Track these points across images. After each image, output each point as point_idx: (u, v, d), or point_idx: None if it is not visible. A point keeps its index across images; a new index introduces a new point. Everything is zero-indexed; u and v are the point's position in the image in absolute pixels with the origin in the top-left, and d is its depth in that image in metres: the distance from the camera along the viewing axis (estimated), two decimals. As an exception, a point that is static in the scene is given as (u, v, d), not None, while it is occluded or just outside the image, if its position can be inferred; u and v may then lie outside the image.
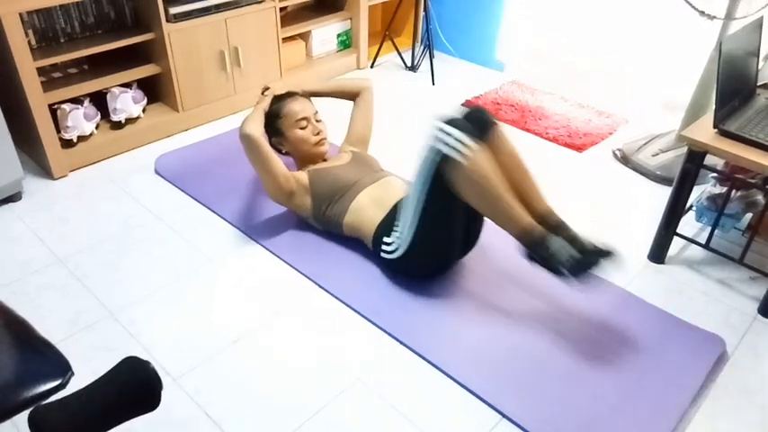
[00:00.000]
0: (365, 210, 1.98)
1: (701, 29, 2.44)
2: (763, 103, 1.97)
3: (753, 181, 1.89)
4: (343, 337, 1.75)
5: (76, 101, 2.47)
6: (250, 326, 1.78)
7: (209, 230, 2.16)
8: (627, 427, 1.49)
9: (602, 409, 1.54)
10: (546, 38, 3.31)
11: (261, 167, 1.99)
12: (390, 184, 2.04)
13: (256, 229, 2.15)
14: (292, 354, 1.69)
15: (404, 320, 1.79)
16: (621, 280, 1.98)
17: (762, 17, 2.00)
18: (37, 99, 2.26)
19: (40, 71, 2.31)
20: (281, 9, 3.04)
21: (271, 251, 2.05)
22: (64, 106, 2.41)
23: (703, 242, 2.02)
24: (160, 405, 1.04)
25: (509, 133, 1.82)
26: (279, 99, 2.17)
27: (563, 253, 1.60)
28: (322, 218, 2.06)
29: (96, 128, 2.56)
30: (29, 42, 2.35)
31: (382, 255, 1.92)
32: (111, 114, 2.57)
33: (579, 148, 2.75)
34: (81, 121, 2.45)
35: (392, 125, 2.89)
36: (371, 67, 3.56)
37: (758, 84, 2.05)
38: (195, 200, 2.31)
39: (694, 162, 1.87)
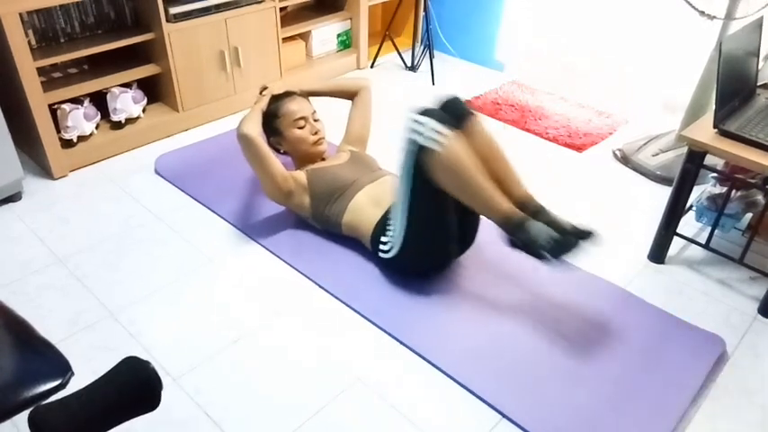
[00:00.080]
0: (363, 209, 1.98)
1: (701, 29, 2.44)
2: (763, 103, 1.97)
3: (753, 181, 1.89)
4: (343, 337, 1.75)
5: (76, 101, 2.47)
6: (250, 326, 1.78)
7: (209, 230, 2.16)
8: (627, 427, 1.49)
9: (603, 409, 1.54)
10: (546, 38, 3.31)
11: (258, 167, 1.99)
12: (389, 184, 2.04)
13: (256, 229, 2.15)
14: (292, 354, 1.69)
15: (404, 320, 1.79)
16: (621, 280, 1.98)
17: (762, 17, 2.00)
18: (37, 99, 2.26)
19: (40, 71, 2.31)
20: (281, 9, 3.04)
21: (271, 251, 2.06)
22: (64, 106, 2.41)
23: (703, 242, 2.02)
24: (160, 405, 1.04)
25: (486, 122, 1.85)
26: (277, 99, 2.17)
27: (543, 236, 1.62)
28: (321, 217, 2.07)
29: (96, 128, 2.56)
30: (29, 42, 2.35)
31: (380, 254, 1.92)
32: (111, 114, 2.57)
33: (579, 148, 2.75)
34: (81, 121, 2.45)
35: (392, 125, 2.89)
36: (371, 67, 3.56)
37: (758, 84, 2.05)
38: (195, 200, 2.31)
39: (694, 162, 1.87)
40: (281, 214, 2.23)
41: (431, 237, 1.83)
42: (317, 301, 1.87)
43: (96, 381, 1.02)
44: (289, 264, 2.00)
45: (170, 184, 2.41)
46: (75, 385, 1.04)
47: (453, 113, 1.75)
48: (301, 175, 2.08)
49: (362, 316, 1.81)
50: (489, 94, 3.22)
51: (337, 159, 2.18)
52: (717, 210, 1.99)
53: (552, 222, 1.68)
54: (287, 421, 1.51)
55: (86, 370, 1.39)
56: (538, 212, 1.73)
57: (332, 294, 1.89)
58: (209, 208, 2.27)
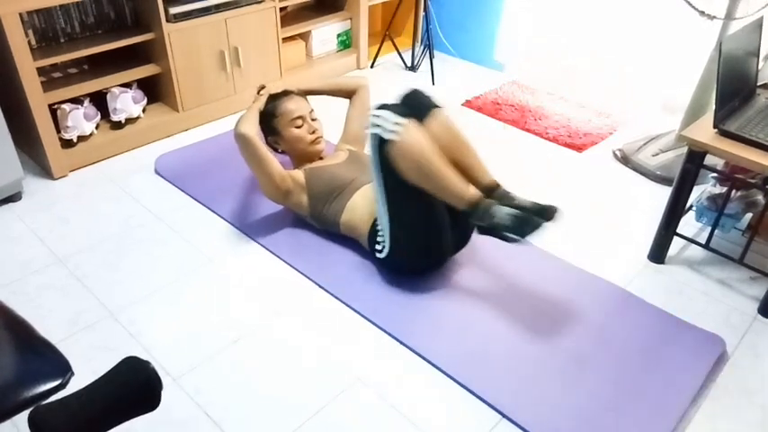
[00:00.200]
0: (361, 209, 1.98)
1: (701, 29, 2.44)
2: (763, 103, 1.97)
3: (753, 181, 1.89)
4: (342, 337, 1.75)
5: (76, 101, 2.47)
6: (250, 326, 1.78)
7: (209, 230, 2.16)
8: (627, 427, 1.49)
9: (603, 409, 1.54)
10: (546, 38, 3.31)
11: (256, 167, 1.99)
12: None
13: (256, 229, 2.15)
14: (292, 354, 1.69)
15: (404, 320, 1.79)
16: (621, 280, 1.98)
17: (762, 17, 2.00)
18: (37, 99, 2.26)
19: (40, 71, 2.31)
20: (281, 9, 3.04)
21: (271, 251, 2.05)
22: (64, 106, 2.41)
23: (703, 242, 2.02)
24: (160, 405, 1.04)
25: (451, 113, 1.87)
26: (274, 98, 2.17)
27: (507, 218, 1.66)
28: (319, 216, 2.07)
29: (96, 128, 2.56)
30: (29, 42, 2.35)
31: (376, 255, 1.92)
32: (111, 114, 2.57)
33: (579, 148, 2.75)
34: (81, 121, 2.45)
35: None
36: (371, 67, 3.56)
37: (758, 84, 2.05)
38: (195, 200, 2.31)
39: (694, 162, 1.87)
40: (281, 214, 2.23)
41: (417, 233, 1.84)
42: (316, 301, 1.87)
43: (96, 381, 1.02)
44: (289, 264, 2.00)
45: (170, 184, 2.41)
46: (75, 385, 1.04)
47: (415, 106, 1.81)
48: (299, 175, 2.08)
49: (362, 316, 1.81)
50: (489, 94, 3.22)
51: (335, 158, 2.18)
52: (717, 210, 1.99)
53: (517, 205, 1.72)
54: (287, 421, 1.51)
55: (86, 370, 1.39)
56: (504, 197, 1.76)
57: (332, 294, 1.89)
58: (208, 208, 2.27)
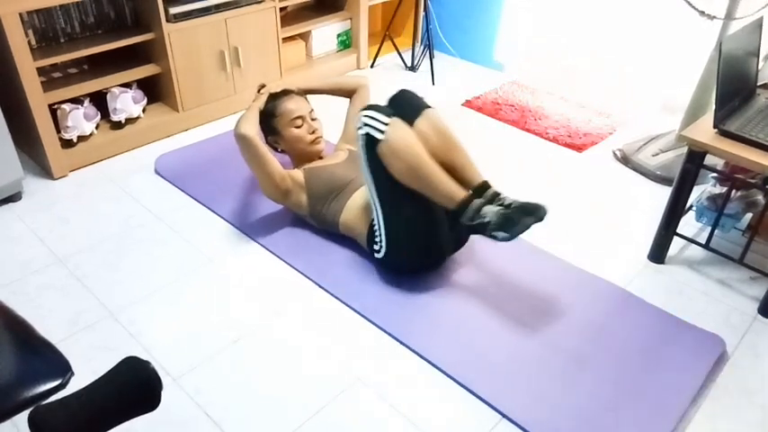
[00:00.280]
0: (360, 209, 1.98)
1: (701, 29, 2.44)
2: (763, 103, 1.97)
3: (753, 181, 1.89)
4: (343, 337, 1.75)
5: (76, 101, 2.47)
6: (250, 326, 1.78)
7: (209, 230, 2.16)
8: (627, 427, 1.49)
9: (603, 409, 1.54)
10: (546, 38, 3.31)
11: (256, 167, 1.99)
12: None
13: (256, 229, 2.15)
14: (292, 354, 1.69)
15: (404, 320, 1.79)
16: (621, 280, 1.98)
17: (762, 17, 2.00)
18: (37, 99, 2.26)
19: (40, 71, 2.31)
20: (281, 9, 3.04)
21: (271, 251, 2.05)
22: (64, 106, 2.41)
23: (703, 242, 2.02)
24: (160, 405, 1.04)
25: (442, 113, 1.88)
26: (274, 97, 2.17)
27: (496, 217, 1.67)
28: (318, 216, 2.07)
29: (96, 128, 2.56)
30: (29, 42, 2.35)
31: (374, 255, 1.93)
32: (111, 114, 2.57)
33: (579, 148, 2.75)
34: (81, 121, 2.45)
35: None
36: (371, 66, 3.56)
37: (758, 84, 2.05)
38: (195, 200, 2.31)
39: (694, 162, 1.87)
40: (281, 214, 2.23)
41: (414, 233, 1.84)
42: (316, 301, 1.87)
43: (96, 381, 1.02)
44: (289, 264, 2.00)
45: (170, 184, 2.41)
46: (75, 385, 1.04)
47: (405, 107, 1.82)
48: (299, 174, 2.08)
49: (362, 316, 1.81)
50: (489, 94, 3.22)
51: (335, 158, 2.18)
52: (717, 210, 1.99)
53: (509, 206, 1.72)
54: (287, 421, 1.51)
55: (86, 370, 1.39)
56: (495, 198, 1.77)
57: (332, 294, 1.89)
58: (208, 208, 2.27)
